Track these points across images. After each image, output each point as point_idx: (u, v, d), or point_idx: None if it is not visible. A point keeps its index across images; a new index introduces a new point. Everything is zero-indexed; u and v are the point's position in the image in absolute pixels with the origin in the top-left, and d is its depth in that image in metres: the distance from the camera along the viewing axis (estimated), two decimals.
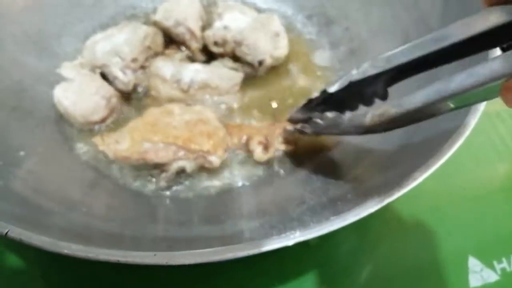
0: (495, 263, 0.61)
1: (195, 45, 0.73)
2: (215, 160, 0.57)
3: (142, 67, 0.69)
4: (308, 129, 0.55)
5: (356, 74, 0.44)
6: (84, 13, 0.79)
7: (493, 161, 0.72)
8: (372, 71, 0.43)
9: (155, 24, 0.73)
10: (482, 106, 0.46)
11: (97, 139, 0.59)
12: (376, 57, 0.43)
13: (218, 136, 0.59)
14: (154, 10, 0.78)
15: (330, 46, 0.78)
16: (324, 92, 0.48)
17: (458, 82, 0.34)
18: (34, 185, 0.54)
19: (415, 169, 0.42)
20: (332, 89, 0.47)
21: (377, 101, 0.45)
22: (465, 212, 0.65)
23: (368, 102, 0.46)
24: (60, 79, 0.66)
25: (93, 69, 0.67)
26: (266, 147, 0.64)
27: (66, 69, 0.64)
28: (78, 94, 0.62)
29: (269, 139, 0.64)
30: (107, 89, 0.65)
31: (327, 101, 0.49)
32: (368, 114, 0.44)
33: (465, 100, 0.35)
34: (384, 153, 0.54)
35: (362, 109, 0.47)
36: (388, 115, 0.41)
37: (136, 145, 0.57)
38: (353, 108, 0.48)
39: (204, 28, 0.75)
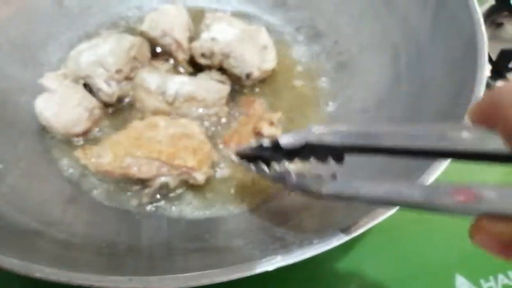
0: (482, 281, 0.60)
1: (182, 56, 0.72)
2: (199, 176, 0.56)
3: (127, 78, 0.68)
4: (254, 169, 0.49)
5: (313, 135, 0.41)
6: (70, 22, 0.78)
7: (483, 175, 0.71)
8: (329, 140, 0.39)
9: (142, 34, 0.72)
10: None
11: (79, 153, 0.58)
12: (337, 128, 0.39)
13: (203, 152, 0.58)
14: (141, 20, 0.77)
15: (319, 59, 0.77)
16: (275, 142, 0.44)
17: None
18: (11, 201, 0.52)
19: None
20: (285, 141, 0.43)
21: (331, 163, 0.41)
22: (452, 227, 0.64)
23: (322, 159, 0.42)
24: (43, 89, 0.64)
25: (76, 79, 0.66)
26: (272, 124, 0.65)
27: (49, 80, 0.63)
28: (60, 105, 0.61)
29: (265, 117, 0.66)
30: (90, 101, 0.64)
31: (276, 148, 0.44)
32: (323, 187, 0.40)
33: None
34: None
35: (314, 174, 0.41)
36: (344, 195, 0.38)
37: (119, 160, 0.56)
38: (304, 159, 0.43)
39: (191, 39, 0.73)
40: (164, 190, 0.58)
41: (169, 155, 0.55)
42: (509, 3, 0.96)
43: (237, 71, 0.69)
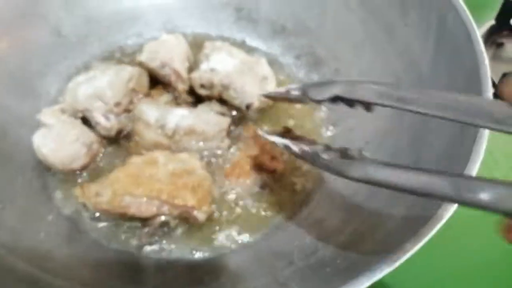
0: None
1: (181, 87, 0.71)
2: (200, 215, 0.55)
3: (126, 110, 0.67)
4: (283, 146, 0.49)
5: (343, 89, 0.42)
6: (68, 51, 0.77)
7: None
8: (360, 95, 0.41)
9: (140, 64, 0.71)
10: None
11: (77, 191, 0.57)
12: (369, 85, 0.41)
13: (204, 188, 0.57)
14: (141, 48, 0.76)
15: None
16: (304, 91, 0.46)
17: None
18: (7, 243, 0.51)
19: (405, 238, 0.40)
20: (313, 93, 0.45)
21: (363, 158, 0.42)
22: None
23: (350, 106, 0.43)
24: (41, 123, 0.63)
25: (75, 113, 0.65)
26: (273, 158, 0.64)
27: (46, 115, 0.62)
28: (58, 141, 0.60)
29: (266, 149, 0.65)
30: (88, 135, 0.63)
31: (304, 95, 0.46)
32: (351, 169, 0.41)
33: None
34: (373, 214, 0.52)
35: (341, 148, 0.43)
36: (372, 181, 0.39)
37: (118, 198, 0.55)
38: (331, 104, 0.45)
39: (191, 69, 0.73)
40: (164, 229, 0.56)
41: (169, 194, 0.54)
42: (509, 23, 0.96)
43: (237, 102, 0.68)
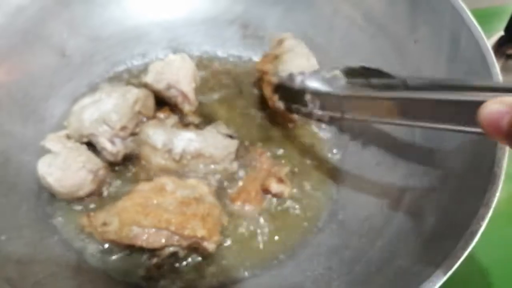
0: None
1: (188, 108, 0.70)
2: (210, 246, 0.54)
3: (133, 134, 0.66)
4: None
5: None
6: (73, 72, 0.76)
7: None
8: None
9: (146, 86, 0.70)
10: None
11: (83, 221, 0.56)
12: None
13: (213, 217, 0.55)
14: (146, 68, 0.75)
15: None
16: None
17: None
18: (12, 278, 0.50)
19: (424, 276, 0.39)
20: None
21: None
22: None
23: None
24: (45, 149, 0.62)
25: (80, 138, 0.64)
26: (280, 180, 0.63)
27: (51, 142, 0.61)
28: (63, 169, 0.58)
29: (273, 172, 0.65)
30: (95, 162, 0.62)
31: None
32: None
33: None
34: (387, 245, 0.51)
35: None
36: None
37: (125, 229, 0.53)
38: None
39: (198, 89, 0.72)
40: (173, 260, 0.55)
41: (178, 224, 0.53)
42: None
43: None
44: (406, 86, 0.48)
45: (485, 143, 0.48)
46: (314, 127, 0.73)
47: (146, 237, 0.53)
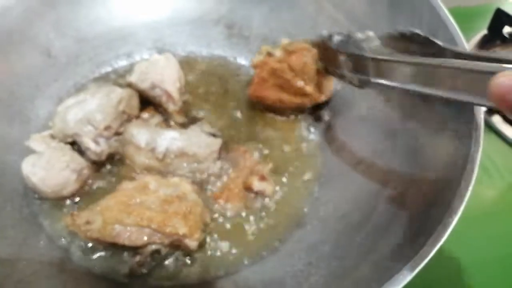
0: None
1: (172, 108, 0.71)
2: (191, 243, 0.55)
3: (117, 133, 0.66)
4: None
5: None
6: (58, 73, 0.77)
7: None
8: None
9: (131, 85, 0.71)
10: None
11: (67, 219, 0.56)
12: None
13: (195, 214, 0.56)
14: (131, 68, 0.76)
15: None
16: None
17: None
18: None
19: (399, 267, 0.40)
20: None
21: None
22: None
23: None
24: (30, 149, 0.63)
25: (65, 138, 0.64)
26: (262, 178, 0.64)
27: (35, 142, 0.61)
28: (47, 169, 0.59)
29: (256, 170, 0.65)
30: (79, 162, 0.62)
31: None
32: None
33: None
34: (365, 240, 0.52)
35: None
36: None
37: (108, 227, 0.54)
38: None
39: (182, 89, 0.72)
40: (156, 257, 0.56)
41: (159, 222, 0.54)
42: (502, 33, 0.96)
43: None
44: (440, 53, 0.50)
45: (461, 141, 0.49)
46: (302, 129, 0.73)
47: (128, 235, 0.53)
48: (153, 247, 0.54)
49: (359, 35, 0.58)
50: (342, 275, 0.48)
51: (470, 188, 0.44)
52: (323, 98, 0.69)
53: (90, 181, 0.64)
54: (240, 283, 0.55)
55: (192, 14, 0.83)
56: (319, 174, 0.67)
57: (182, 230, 0.53)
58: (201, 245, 0.57)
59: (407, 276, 0.39)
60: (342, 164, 0.66)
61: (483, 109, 0.51)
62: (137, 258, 0.55)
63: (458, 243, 0.63)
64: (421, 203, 0.49)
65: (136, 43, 0.81)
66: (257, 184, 0.63)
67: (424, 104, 0.58)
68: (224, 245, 0.59)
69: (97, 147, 0.63)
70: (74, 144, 0.65)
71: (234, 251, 0.59)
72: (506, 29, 0.95)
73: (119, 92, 0.68)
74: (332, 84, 0.70)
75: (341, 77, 0.62)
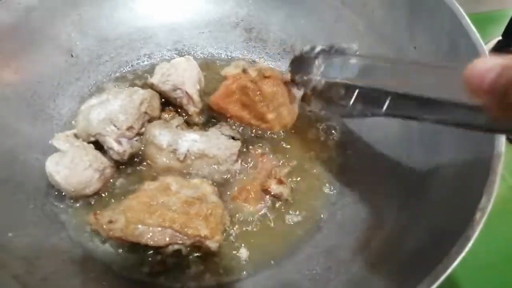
0: None
1: (193, 109, 0.72)
2: (213, 245, 0.56)
3: (139, 134, 0.67)
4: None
5: None
6: (80, 72, 0.78)
7: None
8: None
9: (152, 87, 0.72)
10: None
11: (90, 218, 0.57)
12: None
13: (216, 216, 0.57)
14: (151, 68, 0.77)
15: None
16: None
17: None
18: (20, 275, 0.51)
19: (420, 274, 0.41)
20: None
21: None
22: None
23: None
24: (52, 145, 0.64)
25: (87, 137, 0.65)
26: (280, 182, 0.65)
27: (59, 141, 0.62)
28: (70, 168, 0.60)
29: (273, 173, 0.66)
30: (102, 161, 0.63)
31: None
32: None
33: None
34: (383, 245, 0.52)
35: None
36: None
37: (131, 227, 0.55)
38: None
39: (202, 91, 0.73)
40: (176, 257, 0.57)
41: (182, 224, 0.55)
42: None
43: None
44: None
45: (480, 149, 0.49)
46: (320, 131, 0.74)
47: (151, 235, 0.54)
48: (175, 247, 0.55)
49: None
50: (362, 280, 0.49)
51: (492, 199, 0.44)
52: (278, 129, 0.69)
53: (112, 180, 0.65)
54: (258, 285, 0.56)
55: (211, 17, 0.84)
56: (337, 178, 0.67)
57: (204, 231, 0.54)
58: (220, 246, 0.58)
59: (435, 282, 0.39)
60: (360, 169, 0.66)
61: None
62: (159, 257, 0.56)
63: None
64: (442, 211, 0.50)
65: (156, 44, 0.82)
66: (274, 187, 0.65)
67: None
68: (242, 247, 0.60)
69: (119, 147, 0.64)
70: (97, 144, 0.66)
71: (252, 253, 0.60)
72: None
73: (141, 93, 0.69)
74: (293, 118, 0.70)
75: (307, 83, 0.63)
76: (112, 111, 0.66)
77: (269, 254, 0.60)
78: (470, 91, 0.33)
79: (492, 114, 0.33)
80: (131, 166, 0.67)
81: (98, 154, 0.64)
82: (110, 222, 0.56)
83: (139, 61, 0.81)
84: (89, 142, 0.66)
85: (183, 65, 0.72)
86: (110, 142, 0.64)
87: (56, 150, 0.63)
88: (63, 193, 0.63)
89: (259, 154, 0.70)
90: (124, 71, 0.80)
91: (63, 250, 0.58)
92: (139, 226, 0.55)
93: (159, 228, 0.55)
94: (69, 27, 0.78)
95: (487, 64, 0.32)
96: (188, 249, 0.56)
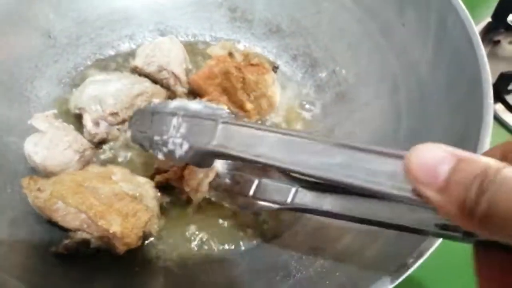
0: None
1: (181, 90, 0.70)
2: (120, 247, 0.52)
3: (123, 122, 0.66)
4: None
5: None
6: (59, 54, 0.75)
7: None
8: None
9: (136, 69, 0.70)
10: None
11: (24, 181, 0.55)
12: None
13: (138, 220, 0.53)
14: (133, 50, 0.75)
15: (316, 89, 0.75)
16: None
17: None
18: None
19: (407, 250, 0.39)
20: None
21: None
22: None
23: None
24: (32, 129, 0.62)
25: (74, 108, 0.65)
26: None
27: (38, 121, 0.60)
28: (49, 148, 0.58)
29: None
30: (81, 142, 0.62)
31: None
32: None
33: None
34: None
35: None
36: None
37: (52, 200, 0.52)
38: None
39: (188, 70, 0.71)
40: (84, 246, 0.54)
41: (97, 212, 0.51)
42: (506, 21, 0.95)
43: None
44: None
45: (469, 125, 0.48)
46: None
47: (65, 214, 0.52)
48: (83, 235, 0.52)
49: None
50: (348, 260, 0.48)
51: None
52: (255, 118, 0.68)
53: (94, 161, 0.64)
54: (241, 269, 0.54)
55: None
56: None
57: (114, 228, 0.51)
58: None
59: (415, 263, 0.38)
60: None
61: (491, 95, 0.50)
62: (66, 241, 0.53)
63: None
64: None
65: (138, 25, 0.80)
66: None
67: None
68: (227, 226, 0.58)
69: (92, 128, 0.63)
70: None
71: (236, 234, 0.59)
72: (511, 17, 0.94)
73: (144, 86, 0.67)
74: (272, 109, 0.69)
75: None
76: (106, 92, 0.64)
77: (254, 235, 0.58)
78: (414, 187, 0.26)
79: (444, 216, 0.25)
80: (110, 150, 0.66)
81: (78, 135, 0.62)
82: (39, 190, 0.54)
83: (120, 42, 0.79)
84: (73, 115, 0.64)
85: (167, 45, 0.70)
86: (87, 120, 0.63)
87: (35, 131, 0.61)
88: (42, 175, 0.60)
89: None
90: (105, 53, 0.78)
91: (40, 229, 0.56)
92: (59, 202, 0.52)
93: (75, 211, 0.52)
94: (46, 8, 0.74)
95: (436, 153, 0.25)
96: (99, 242, 0.53)
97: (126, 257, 0.53)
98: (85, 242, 0.53)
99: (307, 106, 0.73)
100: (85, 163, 0.62)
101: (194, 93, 0.70)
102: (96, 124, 0.63)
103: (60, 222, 0.52)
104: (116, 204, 0.53)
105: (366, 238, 0.49)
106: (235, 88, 0.65)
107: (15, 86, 0.69)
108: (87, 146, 0.62)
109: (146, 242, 0.58)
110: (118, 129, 0.65)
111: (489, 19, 0.96)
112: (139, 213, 0.54)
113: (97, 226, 0.51)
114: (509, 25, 0.95)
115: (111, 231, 0.51)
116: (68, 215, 0.52)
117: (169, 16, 0.81)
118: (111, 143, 0.66)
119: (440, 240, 0.39)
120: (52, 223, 0.55)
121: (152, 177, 0.59)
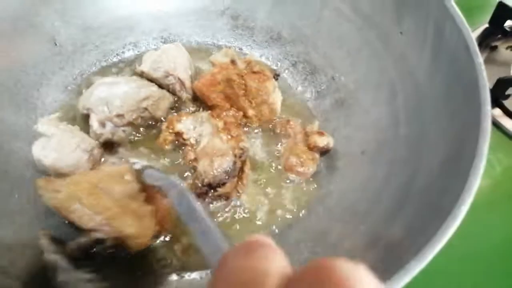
0: None
1: (186, 95, 0.72)
2: (133, 246, 0.53)
3: (130, 124, 0.67)
4: None
5: None
6: (64, 61, 0.77)
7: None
8: None
9: (142, 74, 0.71)
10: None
11: (40, 181, 0.55)
12: None
13: (150, 220, 0.54)
14: (137, 58, 0.76)
15: (316, 95, 0.77)
16: None
17: None
18: (3, 266, 0.50)
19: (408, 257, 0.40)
20: None
21: None
22: None
23: None
24: (38, 134, 0.63)
25: (82, 109, 0.65)
26: (321, 134, 0.67)
27: (44, 125, 0.61)
28: (58, 150, 0.59)
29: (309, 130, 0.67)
30: (89, 142, 0.63)
31: None
32: None
33: None
34: (372, 228, 0.52)
35: None
36: None
37: (69, 201, 0.53)
38: None
39: (193, 77, 0.73)
40: (99, 246, 0.54)
41: (112, 214, 0.53)
42: (503, 27, 0.96)
43: None
44: None
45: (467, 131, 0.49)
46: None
47: (81, 215, 0.53)
48: (98, 235, 0.53)
49: None
50: None
51: (479, 179, 0.44)
52: (257, 124, 0.70)
53: (103, 160, 0.65)
54: None
55: (197, 4, 0.83)
56: (324, 164, 0.67)
57: (129, 229, 0.52)
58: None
59: (416, 267, 0.39)
60: (347, 154, 0.66)
61: (489, 102, 0.51)
62: (81, 240, 0.54)
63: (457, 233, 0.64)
64: (428, 193, 0.50)
65: (142, 33, 0.81)
66: (319, 140, 0.66)
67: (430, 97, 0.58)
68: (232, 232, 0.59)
69: (98, 128, 0.64)
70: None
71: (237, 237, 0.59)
72: (508, 23, 0.95)
73: (151, 90, 0.68)
74: (274, 116, 0.71)
75: None
76: (114, 94, 0.66)
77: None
78: None
79: None
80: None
81: (84, 135, 0.64)
82: (55, 191, 0.54)
83: (124, 49, 0.80)
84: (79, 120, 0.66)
85: (173, 51, 0.71)
86: (93, 120, 0.64)
87: (41, 137, 0.62)
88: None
89: (284, 121, 0.70)
90: (110, 60, 0.79)
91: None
92: (76, 203, 0.53)
93: (91, 212, 0.53)
94: (52, 16, 0.76)
95: None
96: (113, 241, 0.54)
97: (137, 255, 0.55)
98: (100, 241, 0.54)
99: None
100: (95, 161, 0.63)
101: (198, 99, 0.72)
102: (102, 124, 0.64)
103: (77, 223, 0.53)
104: (130, 205, 0.54)
105: (362, 245, 0.50)
106: (237, 95, 0.66)
107: (21, 92, 0.70)
108: (94, 145, 0.63)
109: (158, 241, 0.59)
110: (124, 131, 0.66)
111: (486, 25, 0.97)
112: (151, 214, 0.55)
113: (112, 227, 0.52)
114: (506, 31, 0.95)
115: (125, 233, 0.52)
116: (84, 216, 0.53)
117: (173, 23, 0.83)
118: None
119: (443, 244, 0.40)
120: (60, 226, 0.56)
121: None
